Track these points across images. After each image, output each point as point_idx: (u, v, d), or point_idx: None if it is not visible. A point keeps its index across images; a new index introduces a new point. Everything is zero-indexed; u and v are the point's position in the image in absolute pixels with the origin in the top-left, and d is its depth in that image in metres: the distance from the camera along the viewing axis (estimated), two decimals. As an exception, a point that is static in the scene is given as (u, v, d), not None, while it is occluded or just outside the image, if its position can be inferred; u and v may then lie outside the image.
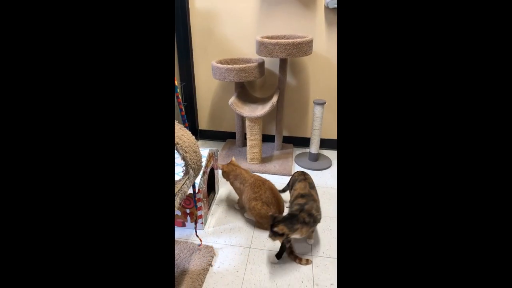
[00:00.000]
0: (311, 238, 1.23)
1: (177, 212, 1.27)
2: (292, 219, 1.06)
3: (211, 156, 1.38)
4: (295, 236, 1.08)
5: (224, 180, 1.44)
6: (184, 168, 0.89)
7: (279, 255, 1.14)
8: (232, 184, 1.40)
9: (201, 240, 1.21)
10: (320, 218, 1.16)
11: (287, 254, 1.16)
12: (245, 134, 1.88)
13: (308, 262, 1.14)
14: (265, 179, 1.36)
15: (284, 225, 1.03)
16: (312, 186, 1.26)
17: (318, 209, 1.15)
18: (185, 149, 0.85)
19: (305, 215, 1.09)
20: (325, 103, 1.72)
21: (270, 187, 1.32)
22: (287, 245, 1.15)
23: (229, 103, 1.68)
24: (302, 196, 1.18)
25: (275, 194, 1.30)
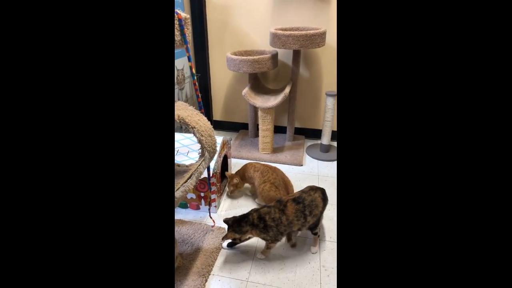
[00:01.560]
0: (315, 246, 1.17)
1: (192, 195, 1.35)
2: (241, 221, 1.07)
3: (224, 143, 1.44)
4: (248, 237, 1.10)
5: (237, 168, 1.51)
6: (200, 151, 0.96)
7: (230, 245, 1.18)
8: (248, 180, 1.46)
9: (214, 222, 1.28)
10: (278, 233, 1.07)
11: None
12: (258, 125, 1.93)
13: (294, 245, 1.19)
14: (275, 167, 1.41)
15: (233, 231, 1.07)
16: (299, 201, 1.09)
17: (275, 220, 1.06)
18: (201, 133, 0.91)
19: (256, 216, 1.07)
20: (336, 94, 1.74)
21: (279, 172, 1.38)
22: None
23: (243, 93, 1.73)
24: (278, 200, 1.12)
25: (284, 178, 1.36)
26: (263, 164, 1.43)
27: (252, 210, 1.11)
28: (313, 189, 1.14)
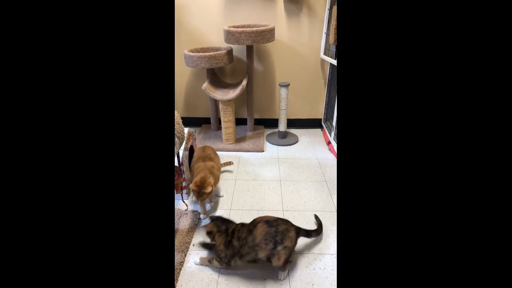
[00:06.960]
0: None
1: (163, 185, 1.42)
2: (225, 220, 1.08)
3: (190, 134, 1.54)
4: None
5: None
6: (170, 137, 1.05)
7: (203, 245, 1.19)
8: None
9: (187, 206, 1.37)
10: (236, 254, 1.02)
11: None
12: (219, 118, 2.04)
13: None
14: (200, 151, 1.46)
15: (214, 224, 1.07)
16: (272, 224, 1.01)
17: (241, 240, 1.02)
18: (170, 120, 1.00)
19: (234, 228, 1.05)
20: (289, 85, 1.93)
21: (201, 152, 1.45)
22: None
23: (203, 87, 1.83)
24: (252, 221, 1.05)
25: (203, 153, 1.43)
26: (199, 160, 1.41)
27: (238, 223, 1.08)
28: (289, 222, 1.05)
